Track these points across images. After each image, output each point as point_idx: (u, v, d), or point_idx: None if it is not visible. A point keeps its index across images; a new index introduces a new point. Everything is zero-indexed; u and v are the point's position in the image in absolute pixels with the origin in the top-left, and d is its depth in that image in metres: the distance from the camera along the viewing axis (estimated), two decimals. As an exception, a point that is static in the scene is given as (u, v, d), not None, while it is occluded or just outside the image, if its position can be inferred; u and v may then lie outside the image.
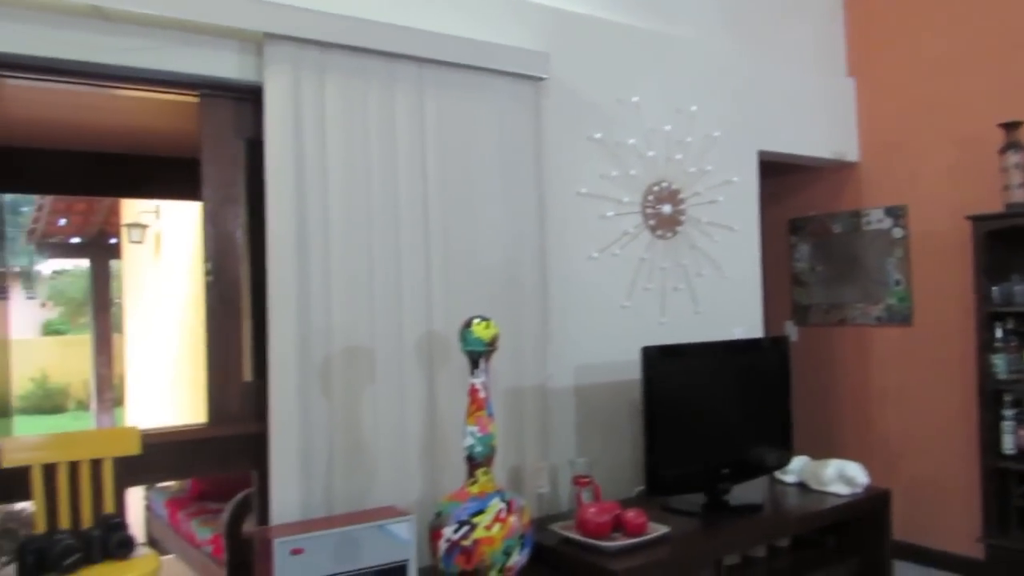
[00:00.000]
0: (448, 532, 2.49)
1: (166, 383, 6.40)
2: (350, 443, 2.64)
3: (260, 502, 2.57)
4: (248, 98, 2.61)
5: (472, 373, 2.60)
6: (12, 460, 2.04)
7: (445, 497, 2.60)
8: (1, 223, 5.86)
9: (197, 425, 2.61)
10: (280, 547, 2.26)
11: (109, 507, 2.14)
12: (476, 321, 2.58)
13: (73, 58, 2.36)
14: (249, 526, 3.18)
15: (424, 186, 2.82)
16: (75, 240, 8.41)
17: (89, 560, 1.95)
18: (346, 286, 2.64)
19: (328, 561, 2.34)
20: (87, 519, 2.13)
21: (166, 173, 4.85)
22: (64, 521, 2.10)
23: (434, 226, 2.84)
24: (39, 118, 3.73)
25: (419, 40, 2.80)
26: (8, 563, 3.77)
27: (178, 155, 4.56)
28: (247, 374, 2.61)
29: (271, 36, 2.53)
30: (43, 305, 15.64)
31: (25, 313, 13.85)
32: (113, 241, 8.32)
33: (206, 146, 2.58)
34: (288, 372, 2.51)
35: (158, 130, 4.03)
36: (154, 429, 2.32)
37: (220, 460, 2.54)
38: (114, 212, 7.83)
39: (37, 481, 2.06)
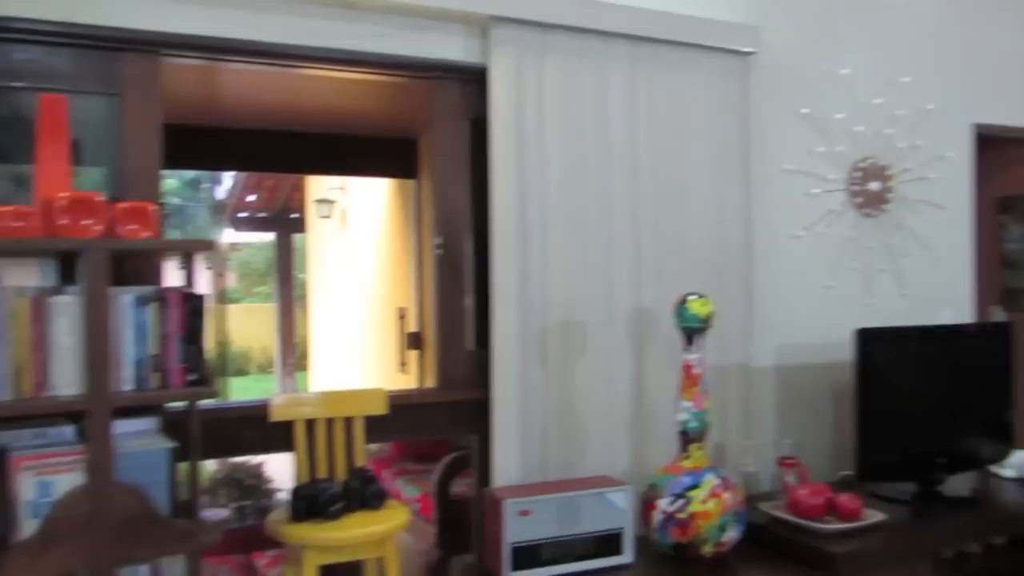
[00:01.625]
0: (663, 504, 2.54)
1: (348, 349, 6.79)
2: (563, 412, 2.73)
3: (480, 464, 2.71)
4: (472, 79, 2.71)
5: (686, 349, 2.63)
6: (279, 415, 2.25)
7: (657, 469, 2.64)
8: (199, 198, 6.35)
9: (427, 389, 2.77)
10: (510, 508, 2.39)
11: (360, 461, 2.33)
12: (692, 297, 2.60)
13: (318, 44, 2.53)
14: (457, 487, 3.35)
15: (635, 164, 2.85)
16: (262, 215, 9.01)
17: (349, 508, 2.13)
18: (562, 262, 2.72)
19: (552, 524, 2.44)
20: (340, 472, 2.32)
21: (355, 151, 5.10)
22: (320, 472, 2.30)
23: (644, 204, 2.87)
24: (247, 100, 4.01)
25: (633, 18, 2.82)
26: (229, 506, 4.16)
27: (367, 134, 4.80)
28: (470, 343, 2.74)
29: (496, 19, 2.63)
30: (220, 275, 16.88)
31: (202, 283, 14.97)
32: (295, 216, 8.85)
33: (435, 126, 2.71)
34: (509, 342, 2.62)
35: (353, 110, 4.24)
36: (392, 392, 2.49)
37: (447, 423, 2.70)
38: (297, 189, 8.33)
39: (300, 434, 2.26)
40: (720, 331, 2.99)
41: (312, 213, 7.45)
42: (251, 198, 8.69)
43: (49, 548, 1.67)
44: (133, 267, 2.06)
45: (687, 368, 2.62)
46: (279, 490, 3.83)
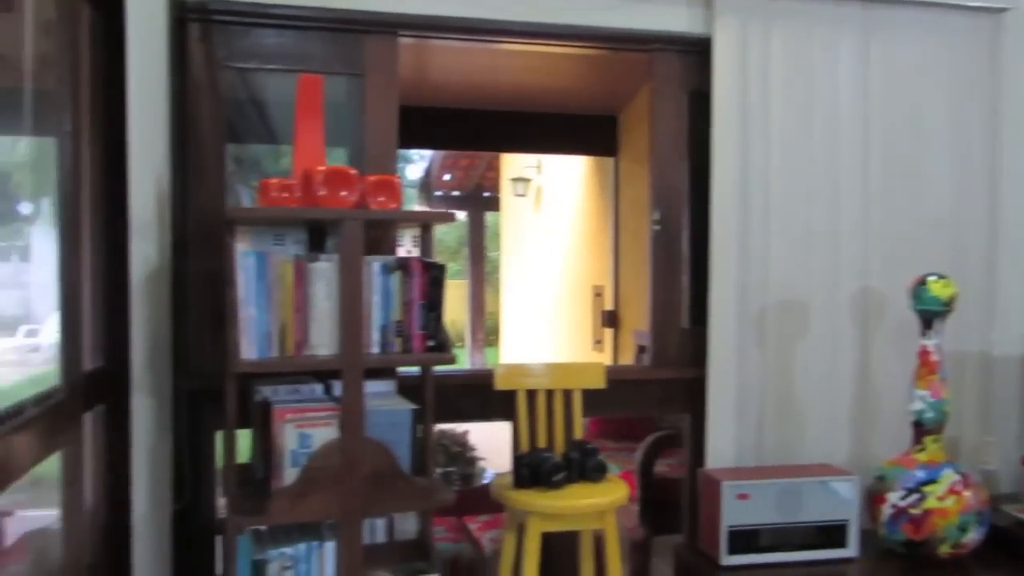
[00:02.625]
0: (893, 498, 2.39)
1: (539, 326, 6.90)
2: (781, 395, 2.63)
3: (693, 444, 2.66)
4: (693, 51, 2.65)
5: (924, 334, 2.45)
6: (503, 384, 2.32)
7: (887, 461, 2.49)
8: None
9: (642, 367, 2.76)
10: (728, 490, 2.33)
11: (578, 434, 2.36)
12: (932, 278, 2.41)
13: (541, 20, 2.55)
14: (658, 467, 3.32)
15: (865, 136, 2.68)
16: (455, 193, 9.32)
17: (570, 479, 2.16)
18: (784, 239, 2.61)
19: (771, 510, 2.36)
20: (558, 443, 2.36)
21: (553, 129, 5.12)
22: (540, 442, 2.35)
23: (874, 178, 2.69)
24: (452, 79, 4.12)
25: (868, -22, 2.64)
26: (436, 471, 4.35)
27: (566, 112, 4.80)
28: (685, 321, 2.69)
29: (721, -13, 2.55)
30: (408, 252, 17.67)
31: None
32: (487, 195, 9.08)
33: (655, 100, 2.67)
34: (727, 321, 2.56)
35: (553, 88, 4.26)
36: (608, 367, 2.50)
37: (658, 401, 2.67)
38: (491, 168, 8.53)
39: (522, 404, 2.32)
40: (956, 316, 2.77)
41: (507, 191, 7.61)
42: (446, 177, 9.00)
43: (307, 494, 1.82)
44: (372, 238, 2.18)
45: (924, 354, 2.44)
46: (482, 459, 3.95)
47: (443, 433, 4.10)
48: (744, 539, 2.34)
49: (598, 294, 5.22)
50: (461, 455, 3.95)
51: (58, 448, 1.77)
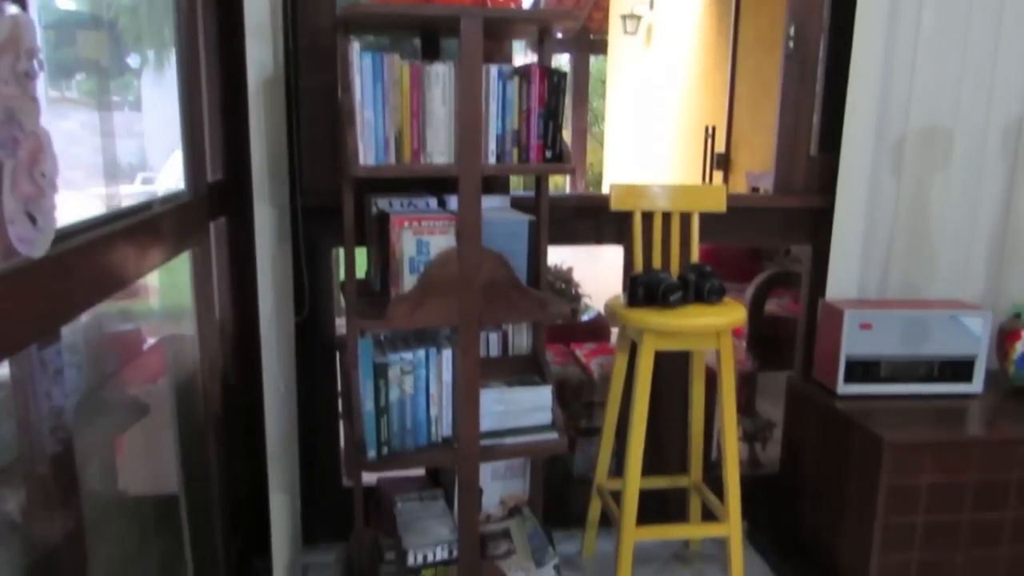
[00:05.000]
0: (1030, 334, 2.26)
1: (647, 171, 6.73)
2: (914, 228, 2.47)
3: (813, 276, 2.57)
4: None
5: (1084, 162, 2.23)
6: (619, 204, 2.26)
7: (1026, 298, 2.35)
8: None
9: (764, 195, 2.64)
10: (850, 319, 2.25)
11: (694, 257, 2.30)
12: (1103, 99, 2.17)
13: None
14: (770, 305, 3.25)
15: (1039, -62, 2.36)
16: (559, 36, 8.96)
17: (686, 300, 2.12)
18: (933, 60, 2.37)
19: (895, 341, 2.28)
20: (675, 267, 2.31)
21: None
22: (655, 266, 2.30)
23: (1043, -12, 2.39)
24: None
25: None
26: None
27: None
28: (813, 148, 2.53)
29: None
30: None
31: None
32: (594, 38, 8.71)
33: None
34: (861, 147, 2.38)
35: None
36: (729, 193, 2.39)
37: (780, 230, 2.56)
38: (598, 8, 8.13)
39: (637, 224, 2.26)
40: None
41: (615, 29, 7.26)
42: (551, 19, 8.64)
43: (425, 300, 1.84)
44: (487, 49, 2.09)
45: (1082, 184, 2.24)
46: (587, 295, 3.96)
47: (547, 269, 4.13)
48: (863, 369, 2.28)
49: (710, 136, 5.00)
50: (565, 291, 3.96)
51: (187, 248, 1.83)
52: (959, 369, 2.31)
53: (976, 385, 2.32)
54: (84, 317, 1.32)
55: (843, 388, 2.27)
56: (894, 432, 2.02)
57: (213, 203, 1.98)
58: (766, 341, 3.16)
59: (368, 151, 1.81)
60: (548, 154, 1.90)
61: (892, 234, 2.48)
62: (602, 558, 2.45)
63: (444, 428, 1.97)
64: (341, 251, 2.12)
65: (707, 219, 2.37)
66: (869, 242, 2.46)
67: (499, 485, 2.21)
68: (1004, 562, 2.15)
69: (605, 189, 2.09)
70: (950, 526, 2.10)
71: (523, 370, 2.13)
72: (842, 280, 2.46)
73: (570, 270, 3.98)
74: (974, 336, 2.30)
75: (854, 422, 2.13)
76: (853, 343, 2.26)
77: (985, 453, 2.06)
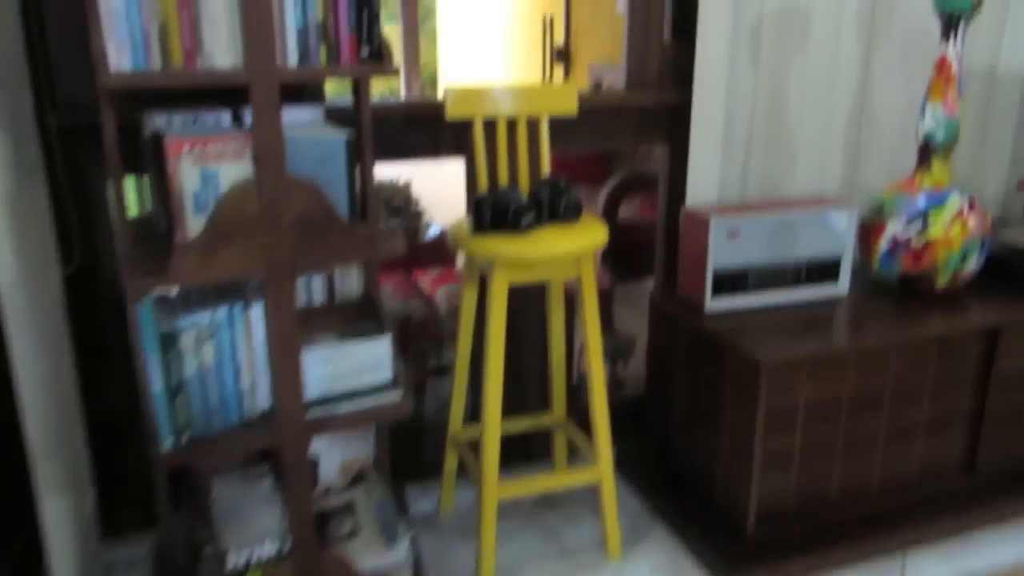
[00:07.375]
0: (893, 229, 2.16)
1: (482, 70, 6.34)
2: (772, 121, 2.29)
3: (670, 180, 2.35)
4: None
5: (944, 39, 2.09)
6: (456, 112, 1.90)
7: (887, 189, 2.23)
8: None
9: (615, 92, 2.36)
10: (717, 229, 2.05)
11: (545, 170, 2.00)
12: (964, -29, 2.01)
13: None
14: (624, 211, 3.04)
15: None
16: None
17: (540, 221, 1.83)
18: (788, -73, 2.14)
19: (762, 248, 2.10)
20: (524, 182, 2.01)
21: None
22: (502, 182, 1.99)
23: None
24: None
25: None
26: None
27: None
28: (667, 33, 2.26)
29: None
30: None
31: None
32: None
33: None
34: (717, 33, 2.14)
35: None
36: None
37: (634, 130, 2.30)
38: None
39: (479, 134, 1.92)
40: (988, 27, 2.42)
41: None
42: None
43: (220, 248, 1.44)
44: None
45: (942, 65, 2.11)
46: (426, 212, 3.62)
47: (383, 185, 3.72)
48: (731, 281, 2.10)
49: (548, 28, 4.67)
50: (404, 208, 3.60)
51: None
52: (826, 270, 2.19)
53: (842, 285, 2.21)
54: None
55: (711, 304, 2.09)
56: (770, 352, 1.86)
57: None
58: (621, 251, 2.96)
59: (122, 52, 1.35)
60: (364, 51, 1.51)
61: (751, 129, 2.28)
62: (463, 513, 2.20)
63: (261, 400, 1.62)
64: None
65: (555, 123, 2.07)
66: (729, 140, 2.26)
67: (338, 449, 1.89)
68: (878, 468, 2.08)
69: (440, 94, 1.72)
70: (827, 441, 1.99)
71: (355, 318, 1.79)
72: (702, 181, 2.25)
73: (408, 185, 3.61)
74: (839, 234, 2.17)
75: (727, 344, 1.95)
76: (720, 254, 2.07)
77: (859, 364, 1.95)
